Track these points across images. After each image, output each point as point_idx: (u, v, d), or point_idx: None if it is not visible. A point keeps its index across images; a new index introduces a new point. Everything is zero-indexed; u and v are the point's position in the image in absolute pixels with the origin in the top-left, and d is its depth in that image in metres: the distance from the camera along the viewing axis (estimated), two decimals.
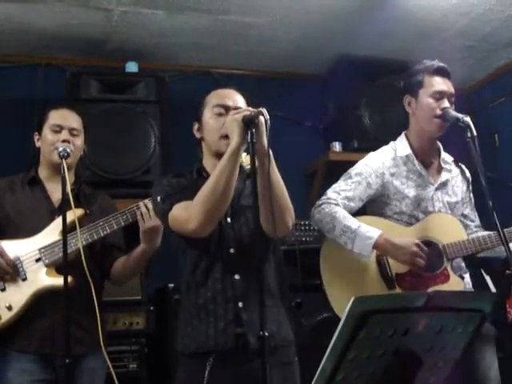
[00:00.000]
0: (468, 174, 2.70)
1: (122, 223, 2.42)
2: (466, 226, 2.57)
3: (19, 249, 2.35)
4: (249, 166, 2.00)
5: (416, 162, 2.55)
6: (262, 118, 1.79)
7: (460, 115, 2.33)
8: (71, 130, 2.48)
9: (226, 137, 1.96)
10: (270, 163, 1.80)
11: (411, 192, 2.53)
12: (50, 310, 2.30)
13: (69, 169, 2.30)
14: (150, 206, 2.31)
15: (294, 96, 4.08)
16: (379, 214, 2.55)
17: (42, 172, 2.52)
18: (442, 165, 2.61)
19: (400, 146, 2.60)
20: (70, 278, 2.12)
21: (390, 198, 2.53)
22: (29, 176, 2.52)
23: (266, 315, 1.69)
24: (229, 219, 2.05)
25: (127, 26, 3.46)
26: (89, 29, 3.47)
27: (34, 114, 2.63)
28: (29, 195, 2.48)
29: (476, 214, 2.69)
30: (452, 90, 2.50)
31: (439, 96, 2.47)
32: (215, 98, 2.12)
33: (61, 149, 2.30)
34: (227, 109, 2.06)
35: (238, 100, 2.10)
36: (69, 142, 2.44)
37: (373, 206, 2.57)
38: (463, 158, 2.52)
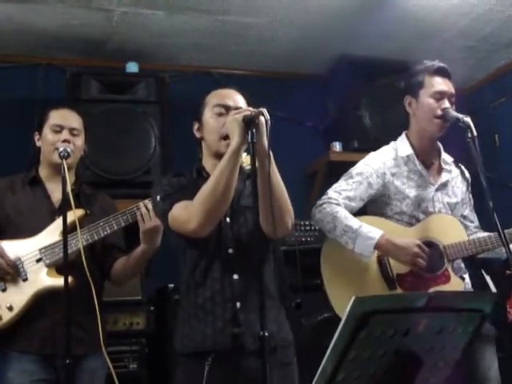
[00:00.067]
0: (467, 174, 2.70)
1: (123, 224, 2.42)
2: (465, 227, 2.57)
3: (20, 249, 2.35)
4: (249, 167, 2.00)
5: (417, 162, 2.55)
6: (262, 118, 1.79)
7: (460, 115, 2.33)
8: (72, 130, 2.48)
9: (226, 137, 1.97)
10: (270, 164, 1.80)
11: (412, 192, 2.53)
12: (50, 310, 2.30)
13: (69, 169, 2.30)
14: (150, 206, 2.31)
15: (294, 96, 4.08)
16: (380, 214, 2.55)
17: (43, 172, 2.52)
18: (443, 165, 2.61)
19: (401, 146, 2.60)
20: (70, 279, 2.12)
21: (391, 198, 2.53)
22: (29, 176, 2.52)
23: (266, 315, 1.69)
24: (228, 219, 2.05)
25: (128, 27, 3.47)
26: (89, 29, 3.47)
27: (34, 114, 2.63)
28: (29, 195, 2.48)
29: (475, 215, 2.69)
30: (452, 90, 2.50)
31: (440, 96, 2.47)
32: (215, 97, 2.12)
33: (61, 149, 2.30)
34: (227, 108, 2.06)
35: (238, 100, 2.10)
36: (69, 141, 2.43)
37: (373, 205, 2.57)
38: (463, 158, 2.52)
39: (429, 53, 3.13)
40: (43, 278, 2.33)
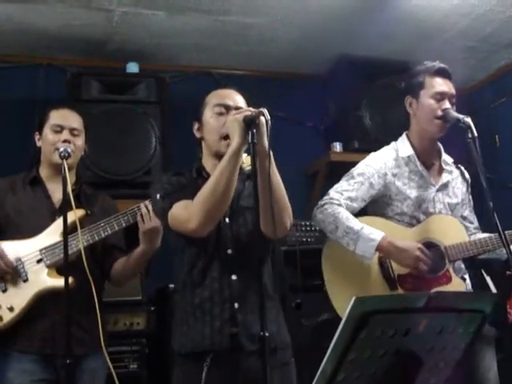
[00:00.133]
0: (467, 175, 2.70)
1: (123, 224, 2.42)
2: (465, 228, 2.57)
3: (20, 250, 2.35)
4: (249, 168, 2.00)
5: (418, 162, 2.55)
6: (262, 118, 1.78)
7: (461, 116, 2.33)
8: (72, 130, 2.48)
9: (227, 137, 1.97)
10: (270, 164, 1.80)
11: (413, 193, 2.52)
12: (50, 310, 2.30)
13: (69, 169, 2.30)
14: (151, 207, 2.31)
15: (294, 96, 4.08)
16: (380, 214, 2.54)
17: (43, 172, 2.52)
18: (443, 166, 2.61)
19: (402, 147, 2.60)
20: (70, 279, 2.12)
21: (392, 199, 2.53)
22: (30, 176, 2.52)
23: (266, 316, 1.69)
24: (227, 220, 2.05)
25: (128, 27, 3.47)
26: (90, 29, 3.47)
27: (34, 115, 2.62)
28: (30, 195, 2.48)
29: (475, 215, 2.69)
30: (453, 90, 2.50)
31: (440, 97, 2.47)
32: (216, 97, 2.12)
33: (61, 149, 2.29)
34: (228, 108, 2.06)
35: (238, 100, 2.10)
36: (69, 142, 2.43)
37: (374, 206, 2.57)
38: (464, 158, 2.52)
39: (429, 53, 3.13)
40: (44, 279, 2.33)
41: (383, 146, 2.67)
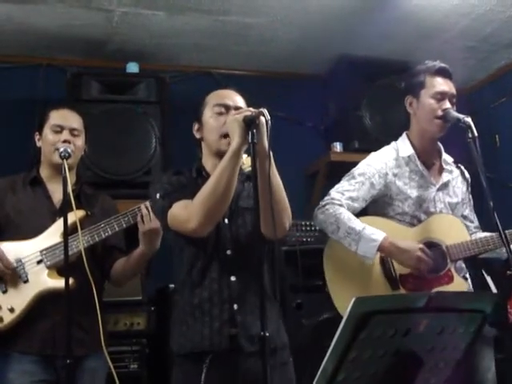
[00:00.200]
0: (467, 174, 2.70)
1: (124, 225, 2.42)
2: (465, 227, 2.57)
3: (21, 250, 2.35)
4: (248, 169, 2.00)
5: (418, 162, 2.55)
6: (262, 118, 1.78)
7: (461, 116, 2.33)
8: (72, 131, 2.48)
9: (226, 136, 1.97)
10: (270, 164, 1.80)
11: (413, 193, 2.52)
12: (51, 311, 2.29)
13: (70, 169, 2.29)
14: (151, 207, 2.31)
15: (294, 96, 4.08)
16: (381, 214, 2.54)
17: (43, 172, 2.52)
18: (444, 165, 2.61)
19: (402, 147, 2.60)
20: (71, 280, 2.12)
21: (393, 199, 2.53)
22: (30, 176, 2.51)
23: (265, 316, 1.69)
24: (226, 220, 2.05)
25: (128, 27, 3.47)
26: (90, 29, 3.47)
27: (34, 115, 2.63)
28: (30, 195, 2.47)
29: (475, 215, 2.70)
30: (453, 90, 2.50)
31: (440, 97, 2.47)
32: (215, 97, 2.12)
33: (62, 149, 2.29)
34: (227, 108, 2.06)
35: (238, 100, 2.10)
36: (69, 142, 2.43)
37: (375, 206, 2.57)
38: (464, 158, 2.52)
39: (429, 53, 3.12)
40: (44, 280, 2.33)
41: (383, 146, 2.67)
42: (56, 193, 2.43)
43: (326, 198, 2.50)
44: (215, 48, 3.81)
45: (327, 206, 2.45)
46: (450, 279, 2.42)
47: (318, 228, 3.06)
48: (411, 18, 3.48)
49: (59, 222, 2.32)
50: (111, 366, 2.21)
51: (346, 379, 1.22)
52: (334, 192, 2.50)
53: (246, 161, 2.12)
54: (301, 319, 3.12)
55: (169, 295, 3.07)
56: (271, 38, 3.70)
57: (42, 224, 2.40)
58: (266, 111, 1.77)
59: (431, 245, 2.43)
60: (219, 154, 2.00)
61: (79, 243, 2.28)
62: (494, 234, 2.39)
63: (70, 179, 2.31)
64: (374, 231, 2.38)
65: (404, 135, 2.64)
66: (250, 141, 1.79)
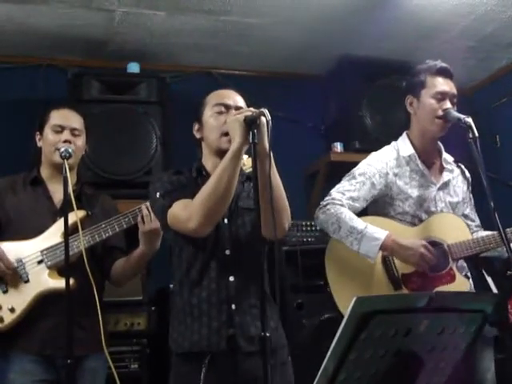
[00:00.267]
0: (468, 173, 2.71)
1: (124, 225, 2.42)
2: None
3: (21, 250, 2.35)
4: (249, 170, 2.00)
5: (419, 161, 2.55)
6: (263, 118, 1.78)
7: (461, 116, 2.32)
8: (73, 130, 2.48)
9: (227, 134, 1.97)
10: (270, 165, 1.80)
11: (414, 192, 2.53)
12: (51, 311, 2.29)
13: (70, 169, 2.29)
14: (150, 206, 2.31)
15: (294, 96, 4.09)
16: (382, 214, 2.54)
17: (44, 172, 2.52)
18: (444, 165, 2.61)
19: (402, 146, 2.60)
20: (72, 280, 2.12)
21: (393, 198, 2.53)
22: (31, 176, 2.51)
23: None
24: (226, 220, 2.05)
25: (129, 27, 3.47)
26: (90, 30, 3.47)
27: (35, 115, 2.62)
28: (31, 195, 2.47)
29: (476, 214, 2.70)
30: (454, 90, 2.50)
31: (441, 97, 2.47)
32: (215, 97, 2.12)
33: (62, 149, 2.29)
34: (227, 107, 2.06)
35: (237, 100, 2.11)
36: (70, 142, 2.43)
37: (375, 206, 2.57)
38: (464, 158, 2.52)
39: (430, 53, 3.12)
40: (45, 280, 2.33)
41: (384, 146, 2.67)
42: (56, 193, 2.43)
43: (327, 198, 2.50)
44: (216, 48, 3.81)
45: (328, 206, 2.45)
46: (452, 278, 2.42)
47: (318, 228, 3.06)
48: (411, 17, 3.48)
49: (60, 222, 2.32)
50: (112, 366, 2.21)
51: (347, 379, 1.22)
52: (335, 192, 2.50)
53: (246, 162, 2.12)
54: (301, 319, 3.12)
55: (169, 295, 3.07)
56: (271, 38, 3.70)
57: (42, 224, 2.40)
58: (266, 111, 1.77)
59: (433, 244, 2.43)
60: (220, 153, 2.00)
61: (80, 243, 2.28)
62: (495, 232, 2.39)
63: (71, 179, 2.30)
64: (376, 230, 2.38)
65: (404, 135, 2.64)
66: (250, 141, 1.79)
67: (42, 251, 2.35)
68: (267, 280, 2.08)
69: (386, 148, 2.64)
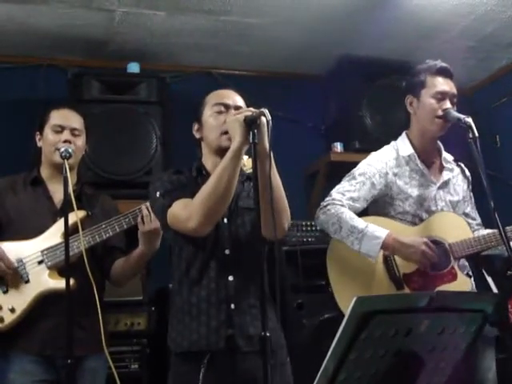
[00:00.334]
0: (468, 172, 2.71)
1: (125, 226, 2.41)
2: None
3: (22, 250, 2.35)
4: (249, 170, 1.99)
5: (418, 161, 2.55)
6: (263, 118, 1.78)
7: (461, 116, 2.32)
8: (73, 130, 2.48)
9: (227, 133, 1.97)
10: (270, 165, 1.80)
11: (414, 192, 2.53)
12: (52, 311, 2.29)
13: (70, 169, 2.29)
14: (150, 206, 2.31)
15: (295, 96, 4.09)
16: (383, 214, 2.54)
17: (44, 172, 2.52)
18: (444, 164, 2.61)
19: (402, 146, 2.60)
20: (72, 281, 2.12)
21: (393, 198, 2.53)
22: (31, 176, 2.51)
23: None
24: (225, 220, 2.05)
25: (129, 27, 3.47)
26: (90, 29, 3.47)
27: (35, 115, 2.62)
28: (31, 195, 2.47)
29: (476, 212, 2.70)
30: (454, 90, 2.50)
31: (441, 96, 2.47)
32: (215, 97, 2.13)
33: (62, 149, 2.28)
34: (227, 107, 2.07)
35: (237, 100, 2.11)
36: (70, 142, 2.43)
37: (376, 206, 2.57)
38: (465, 158, 2.52)
39: (430, 53, 3.12)
40: (46, 280, 2.33)
41: (384, 146, 2.67)
42: (57, 193, 2.43)
43: (327, 198, 2.50)
44: (216, 48, 3.81)
45: (329, 207, 2.45)
46: (454, 277, 2.42)
47: (318, 228, 3.06)
48: (411, 17, 3.48)
49: (60, 223, 2.32)
50: (112, 366, 2.21)
51: (347, 379, 1.22)
52: (335, 192, 2.50)
53: (246, 162, 2.12)
54: (302, 319, 3.12)
55: (169, 295, 3.07)
56: (271, 38, 3.70)
57: (42, 224, 2.40)
58: (266, 111, 1.77)
59: (434, 243, 2.43)
60: (220, 151, 2.00)
61: (80, 244, 2.28)
62: (496, 230, 2.39)
63: (71, 179, 2.30)
64: (377, 229, 2.38)
65: (404, 134, 2.64)
66: (250, 141, 1.79)
67: (42, 251, 2.35)
68: (267, 280, 2.08)
69: (386, 148, 2.65)
